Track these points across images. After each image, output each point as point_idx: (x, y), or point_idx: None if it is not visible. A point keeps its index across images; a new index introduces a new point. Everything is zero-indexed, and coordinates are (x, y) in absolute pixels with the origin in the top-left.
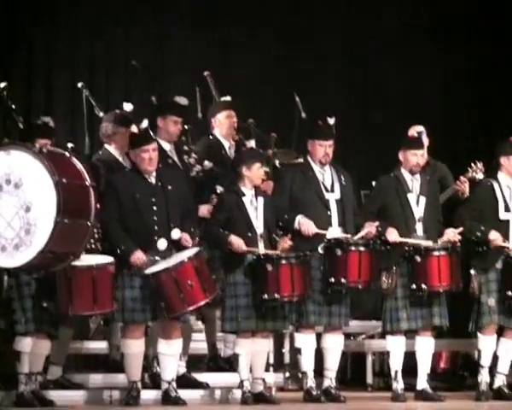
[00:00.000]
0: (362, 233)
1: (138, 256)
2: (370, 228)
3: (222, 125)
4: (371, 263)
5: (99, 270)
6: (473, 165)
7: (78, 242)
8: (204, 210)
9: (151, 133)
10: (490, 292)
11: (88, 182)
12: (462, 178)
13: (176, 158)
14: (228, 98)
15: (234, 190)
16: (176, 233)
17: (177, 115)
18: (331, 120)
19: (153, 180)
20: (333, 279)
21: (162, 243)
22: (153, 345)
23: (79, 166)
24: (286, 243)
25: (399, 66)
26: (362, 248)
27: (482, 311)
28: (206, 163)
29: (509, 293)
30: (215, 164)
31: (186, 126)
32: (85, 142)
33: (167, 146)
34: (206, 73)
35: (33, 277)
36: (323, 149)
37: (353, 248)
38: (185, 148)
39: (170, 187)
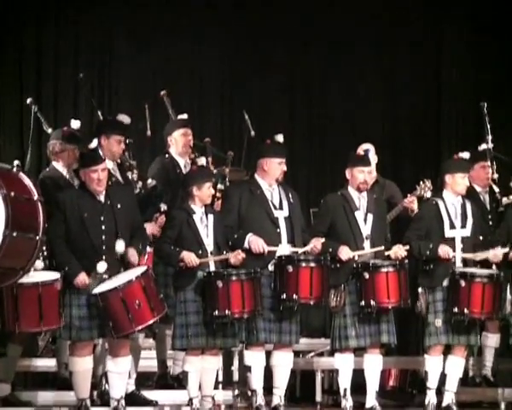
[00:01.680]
0: (307, 247)
1: (82, 279)
2: (316, 242)
3: (177, 143)
4: (322, 279)
5: (45, 287)
6: (421, 183)
7: (28, 256)
8: (148, 229)
9: (100, 153)
10: (437, 312)
11: (36, 196)
12: (409, 196)
13: (119, 176)
14: (184, 116)
15: (184, 208)
16: (120, 246)
17: (120, 134)
18: (280, 138)
19: (102, 199)
20: (284, 296)
21: (102, 266)
22: (101, 362)
23: (27, 180)
24: (239, 254)
25: (345, 83)
26: (313, 264)
27: (429, 331)
28: (150, 181)
29: (456, 310)
30: (169, 183)
31: (127, 141)
32: (27, 158)
33: (110, 164)
34: (162, 93)
35: None
36: (281, 166)
37: (304, 264)
38: (128, 163)
39: (119, 205)
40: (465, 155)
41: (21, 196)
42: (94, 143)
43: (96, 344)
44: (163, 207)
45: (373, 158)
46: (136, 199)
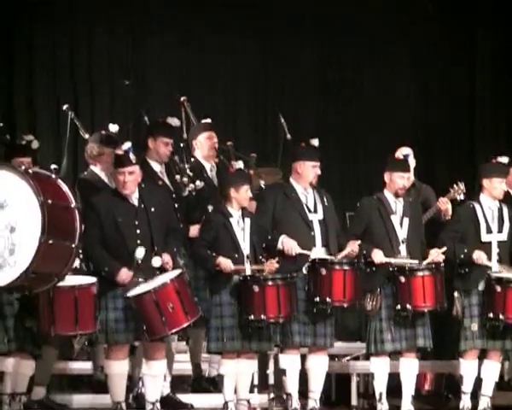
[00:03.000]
0: (345, 252)
1: (124, 273)
2: (353, 246)
3: (203, 146)
4: (355, 282)
5: (81, 290)
6: (455, 185)
7: (63, 263)
8: (194, 231)
9: (131, 156)
10: (472, 317)
11: (73, 204)
12: (443, 198)
13: (166, 179)
14: (208, 120)
15: (221, 211)
16: (157, 261)
17: (167, 137)
18: (315, 141)
19: (135, 202)
20: (318, 298)
21: (140, 252)
22: (138, 365)
23: (65, 187)
24: (273, 265)
25: (381, 88)
26: (346, 267)
27: (464, 335)
28: (198, 183)
29: (491, 315)
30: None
31: (181, 145)
32: (63, 163)
33: (158, 167)
34: (182, 99)
35: (16, 296)
36: (315, 170)
37: (338, 267)
38: (179, 166)
39: (153, 209)
40: (503, 159)
41: (59, 203)
42: (126, 146)
43: (135, 347)
44: (210, 208)
45: (412, 162)
46: (186, 202)
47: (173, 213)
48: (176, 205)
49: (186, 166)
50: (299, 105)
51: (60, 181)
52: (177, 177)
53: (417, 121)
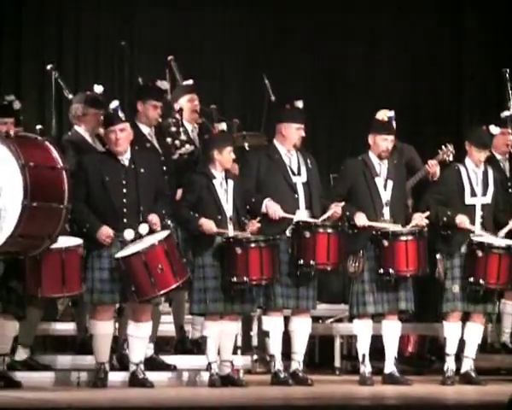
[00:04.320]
0: (328, 213)
1: (105, 232)
2: (336, 208)
3: (184, 109)
4: (339, 245)
5: (68, 252)
6: (443, 147)
7: (53, 224)
8: (180, 193)
9: (120, 114)
10: (454, 279)
11: (60, 165)
12: (431, 161)
13: (155, 141)
14: (190, 82)
15: (204, 173)
16: (144, 229)
17: (156, 100)
18: (299, 104)
19: (125, 162)
20: (302, 261)
21: (129, 234)
22: (125, 327)
23: (52, 149)
24: (254, 225)
25: (366, 47)
26: (330, 230)
27: (446, 297)
28: (188, 146)
29: (471, 280)
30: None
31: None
32: (52, 124)
33: (146, 130)
34: (169, 58)
35: (0, 258)
36: (298, 132)
37: (322, 230)
38: (173, 129)
39: (142, 170)
40: (493, 129)
41: (45, 166)
42: (114, 104)
43: (122, 308)
44: None
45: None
46: (175, 165)
47: (162, 177)
48: (164, 168)
49: (180, 129)
50: (285, 68)
51: (47, 143)
52: (169, 139)
53: (405, 85)
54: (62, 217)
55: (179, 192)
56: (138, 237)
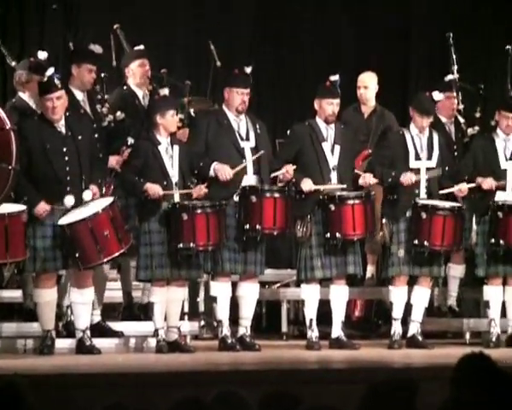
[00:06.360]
0: (279, 172)
1: (42, 207)
2: (289, 168)
3: (135, 74)
4: (286, 210)
5: (11, 218)
6: None
7: (0, 186)
8: (113, 161)
9: (56, 81)
10: (400, 243)
11: (8, 125)
12: None
13: (88, 108)
14: (141, 47)
15: (149, 138)
16: (87, 195)
17: (91, 63)
18: (248, 69)
19: (62, 129)
20: (248, 226)
21: (69, 200)
22: (66, 294)
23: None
24: (201, 190)
25: (315, 11)
26: (277, 195)
27: (392, 261)
28: (119, 113)
29: (416, 242)
30: (129, 114)
31: (102, 74)
32: None
33: (80, 95)
34: (115, 27)
35: None
36: (241, 97)
37: (268, 194)
38: (99, 97)
39: (80, 137)
40: (436, 95)
41: None
42: (50, 71)
43: (61, 276)
44: (130, 140)
45: (373, 87)
46: (105, 132)
47: (96, 143)
48: (96, 135)
49: (106, 96)
50: (232, 33)
51: None
52: (98, 106)
53: (352, 51)
54: (10, 178)
55: (110, 160)
56: (81, 203)
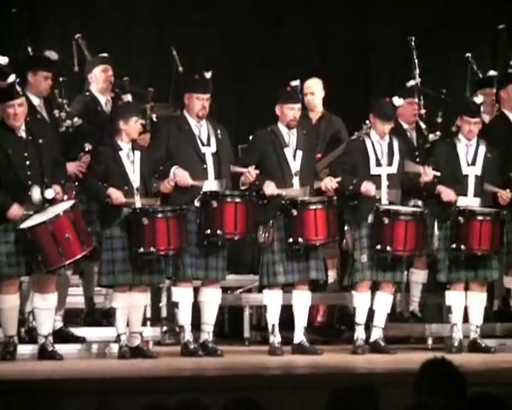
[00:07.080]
0: (241, 169)
1: (15, 210)
2: (251, 169)
3: (98, 79)
4: (247, 215)
5: None
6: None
7: None
8: (71, 167)
9: (17, 88)
10: (362, 248)
11: None
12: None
13: (45, 113)
14: (104, 55)
15: (110, 144)
16: (50, 193)
17: (47, 70)
18: (208, 74)
19: (23, 134)
20: (209, 231)
21: (36, 192)
22: (28, 300)
23: None
24: (168, 183)
25: (274, 22)
26: (238, 200)
27: (355, 268)
28: (76, 119)
29: (378, 247)
30: (91, 120)
31: (61, 79)
32: None
33: (36, 101)
34: (77, 36)
35: None
36: (201, 102)
37: (229, 199)
38: (58, 101)
39: (41, 140)
40: (396, 101)
41: None
42: (11, 78)
43: (23, 281)
44: (87, 146)
45: (319, 93)
46: (62, 138)
47: (58, 147)
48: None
49: (64, 101)
50: (195, 38)
51: None
52: (56, 111)
53: (314, 55)
54: None
55: (68, 166)
56: (44, 200)
